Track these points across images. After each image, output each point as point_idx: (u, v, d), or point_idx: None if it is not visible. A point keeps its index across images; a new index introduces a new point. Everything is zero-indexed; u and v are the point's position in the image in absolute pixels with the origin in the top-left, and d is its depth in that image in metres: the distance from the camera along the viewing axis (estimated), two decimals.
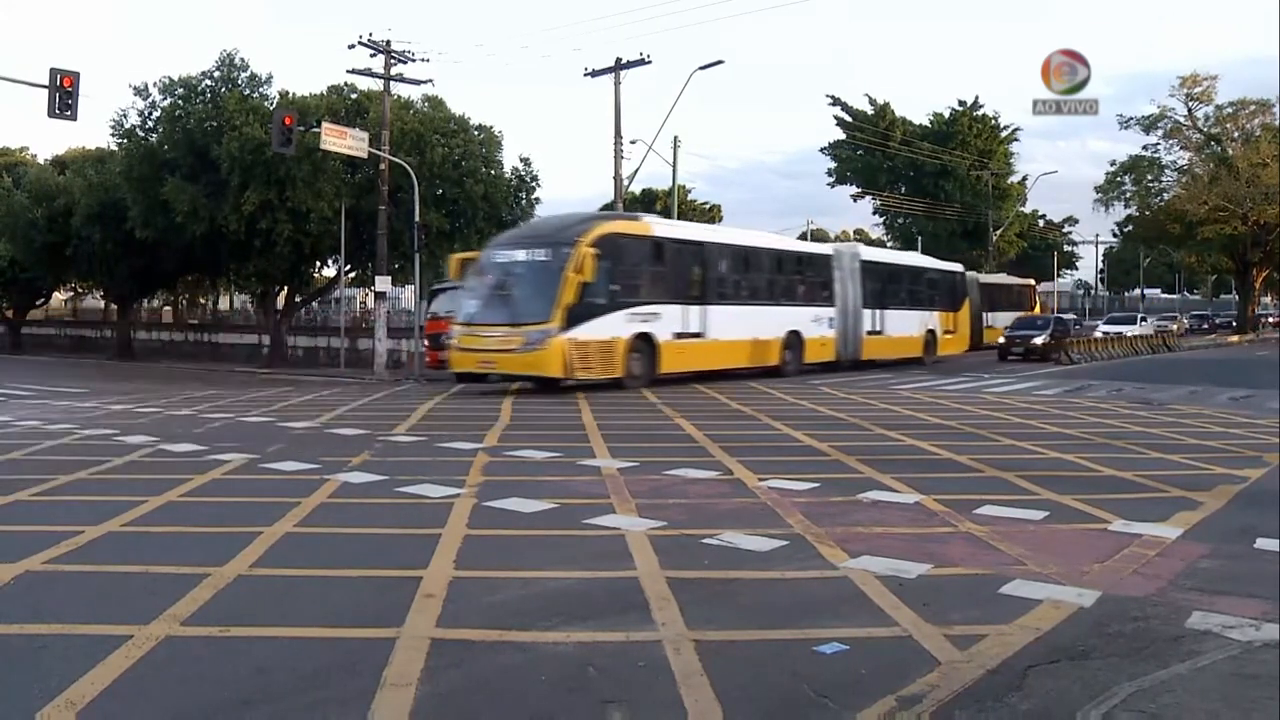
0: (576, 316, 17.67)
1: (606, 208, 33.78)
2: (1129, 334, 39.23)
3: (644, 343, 19.13)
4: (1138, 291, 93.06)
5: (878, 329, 26.72)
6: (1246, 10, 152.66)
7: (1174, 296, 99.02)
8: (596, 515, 7.32)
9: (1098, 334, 39.43)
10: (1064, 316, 40.81)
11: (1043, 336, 32.57)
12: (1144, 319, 46.55)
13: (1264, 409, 16.17)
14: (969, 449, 11.07)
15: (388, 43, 28.34)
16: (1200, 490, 8.62)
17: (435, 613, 4.99)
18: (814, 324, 24.26)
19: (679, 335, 20.01)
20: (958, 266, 34.26)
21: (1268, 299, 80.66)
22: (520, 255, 18.99)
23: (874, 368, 26.12)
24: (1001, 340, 33.24)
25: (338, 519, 7.31)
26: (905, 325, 28.06)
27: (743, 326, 21.85)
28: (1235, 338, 50.40)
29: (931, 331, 29.25)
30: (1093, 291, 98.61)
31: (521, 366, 17.90)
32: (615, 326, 18.47)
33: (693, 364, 20.43)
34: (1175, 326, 52.32)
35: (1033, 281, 51.35)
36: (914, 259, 33.03)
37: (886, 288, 27.71)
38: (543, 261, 18.32)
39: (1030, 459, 10.52)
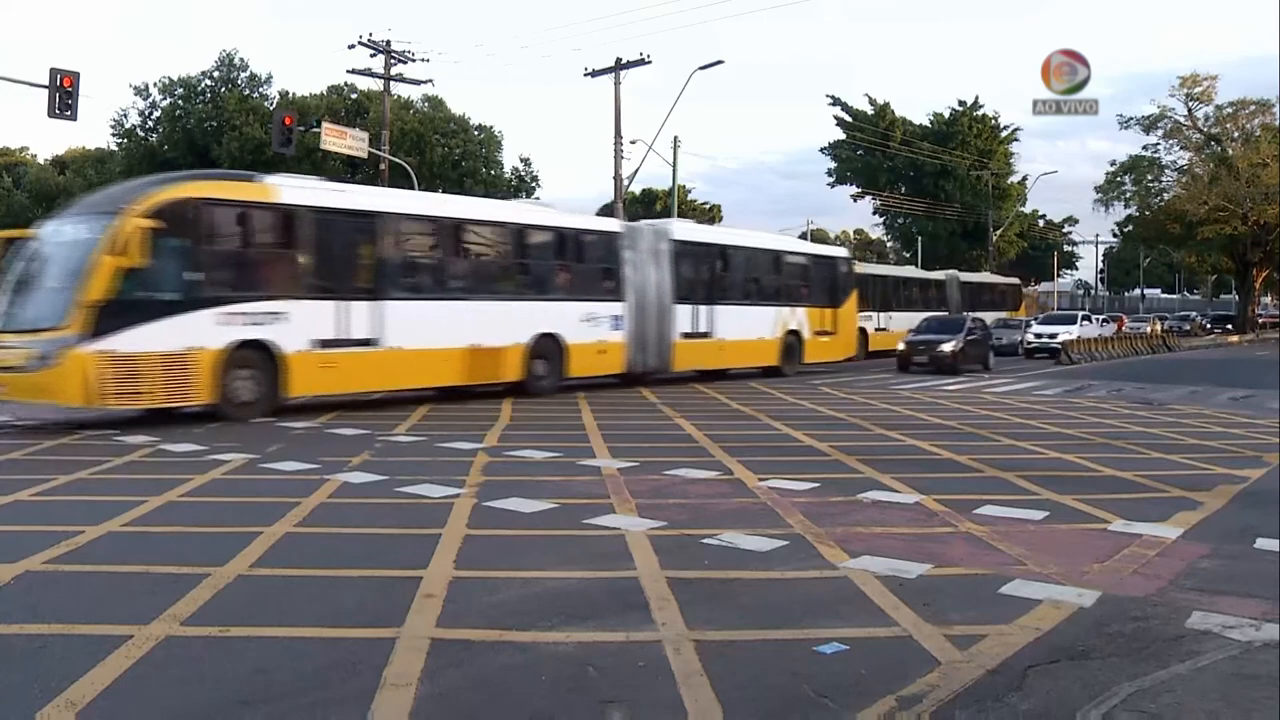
0: (114, 319, 12.17)
1: (606, 208, 33.82)
2: (1062, 338, 33.18)
3: (258, 355, 13.55)
4: (1138, 291, 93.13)
5: (702, 330, 20.79)
6: (1246, 10, 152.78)
7: (1174, 296, 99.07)
8: (596, 515, 7.32)
9: (1028, 337, 34.21)
10: (984, 316, 31.73)
11: (953, 343, 25.34)
12: (1087, 319, 38.71)
13: (1264, 409, 16.19)
14: (969, 449, 11.08)
15: (388, 43, 28.42)
16: (1200, 490, 8.63)
17: (435, 613, 4.99)
18: (586, 325, 18.12)
19: (327, 343, 14.19)
20: (839, 251, 28.27)
21: (1268, 299, 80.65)
22: (65, 232, 13.50)
23: (702, 380, 20.92)
24: (901, 346, 26.43)
25: (338, 519, 7.31)
26: (750, 325, 22.11)
27: (452, 330, 15.86)
28: (1235, 338, 50.40)
29: (794, 333, 23.33)
30: (1093, 291, 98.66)
31: (33, 392, 12.49)
32: (195, 332, 12.87)
33: (353, 383, 14.87)
34: (1150, 329, 46.86)
35: (1018, 281, 50.01)
36: (765, 240, 25.86)
37: (719, 277, 21.91)
38: (81, 240, 12.86)
39: (1030, 459, 10.53)
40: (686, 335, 20.38)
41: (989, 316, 40.02)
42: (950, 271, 42.21)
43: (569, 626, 4.81)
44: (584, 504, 7.72)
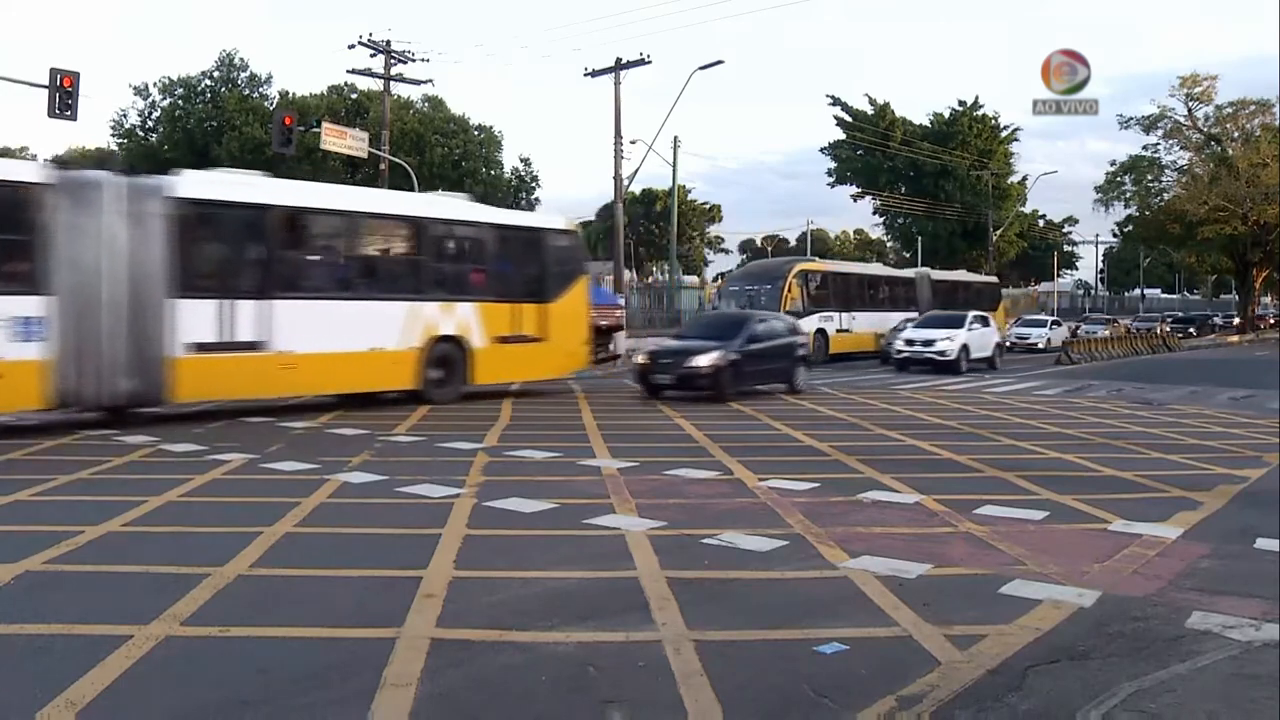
0: None
1: (607, 208, 33.82)
2: (940, 346, 25.38)
3: None
4: (1138, 291, 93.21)
5: (244, 339, 13.31)
6: (1246, 10, 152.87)
7: (1174, 296, 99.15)
8: (596, 515, 7.33)
9: (897, 344, 26.68)
10: (780, 319, 19.95)
11: (715, 355, 16.26)
12: (982, 320, 27.76)
13: (1264, 409, 16.19)
14: (969, 449, 11.08)
15: (388, 43, 28.43)
16: (1200, 490, 8.63)
17: (435, 613, 4.99)
18: None
19: None
20: (549, 220, 19.04)
21: (1268, 299, 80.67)
22: None
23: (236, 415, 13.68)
24: (640, 360, 17.47)
25: (338, 519, 7.31)
26: (355, 331, 14.53)
27: None
28: (1235, 337, 50.29)
29: (451, 340, 15.52)
30: (1093, 291, 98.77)
31: None
32: None
33: None
34: (1108, 332, 42.86)
35: (996, 280, 46.62)
36: (385, 200, 18.37)
37: (284, 256, 14.32)
38: None
39: (1030, 459, 10.53)
40: (206, 347, 12.95)
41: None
42: (920, 269, 40.63)
43: (569, 626, 4.81)
44: (584, 504, 7.73)
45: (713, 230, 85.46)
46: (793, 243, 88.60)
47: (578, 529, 6.97)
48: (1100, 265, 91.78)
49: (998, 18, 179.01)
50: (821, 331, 28.35)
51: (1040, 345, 36.36)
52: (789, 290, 28.46)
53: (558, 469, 9.58)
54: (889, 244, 78.56)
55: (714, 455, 10.46)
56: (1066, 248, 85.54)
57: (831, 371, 24.47)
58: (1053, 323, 40.27)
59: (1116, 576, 5.81)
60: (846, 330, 30.19)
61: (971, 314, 27.68)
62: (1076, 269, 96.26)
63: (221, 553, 6.04)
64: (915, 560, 6.04)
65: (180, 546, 6.49)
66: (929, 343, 25.56)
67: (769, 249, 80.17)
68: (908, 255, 66.29)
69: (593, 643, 4.61)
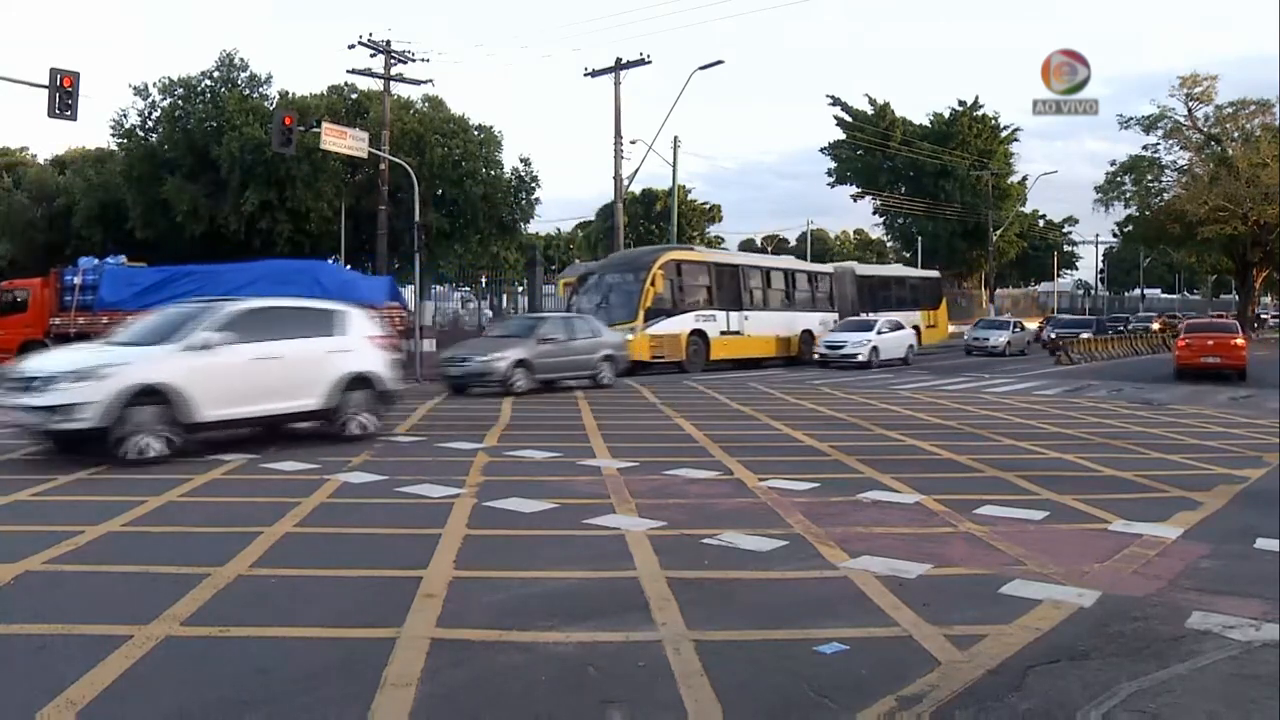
0: None
1: (607, 208, 33.80)
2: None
3: None
4: (1138, 291, 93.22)
5: None
6: (1246, 10, 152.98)
7: (1174, 296, 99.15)
8: (596, 515, 7.33)
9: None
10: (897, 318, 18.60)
11: None
12: (319, 328, 11.35)
13: (1264, 409, 16.19)
14: (969, 449, 11.08)
15: (388, 43, 28.42)
16: (1200, 490, 8.63)
17: (435, 613, 4.99)
18: None
19: None
20: None
21: (1268, 299, 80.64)
22: None
23: None
24: None
25: (338, 519, 7.31)
26: None
27: None
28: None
29: None
30: (1093, 291, 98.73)
31: None
32: None
33: None
34: (1006, 338, 34.61)
35: (937, 274, 41.39)
36: None
37: None
38: None
39: (1030, 459, 10.52)
40: None
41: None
42: (844, 264, 37.31)
43: (569, 626, 4.81)
44: (584, 504, 7.73)
45: (713, 231, 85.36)
46: (793, 243, 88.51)
47: (578, 529, 6.97)
48: (1100, 265, 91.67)
49: (998, 18, 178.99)
50: (700, 334, 24.69)
51: (861, 356, 26.74)
52: (652, 284, 23.79)
53: (558, 469, 9.58)
54: (889, 244, 78.52)
55: (714, 455, 10.46)
56: (1066, 248, 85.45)
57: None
58: (887, 325, 28.84)
59: (1116, 576, 5.81)
60: (736, 333, 25.94)
61: (344, 312, 12.03)
62: (1076, 269, 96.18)
63: (221, 553, 6.04)
64: (915, 560, 6.04)
65: (180, 546, 6.49)
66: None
67: (769, 249, 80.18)
68: (908, 255, 66.27)
69: (593, 643, 4.61)
